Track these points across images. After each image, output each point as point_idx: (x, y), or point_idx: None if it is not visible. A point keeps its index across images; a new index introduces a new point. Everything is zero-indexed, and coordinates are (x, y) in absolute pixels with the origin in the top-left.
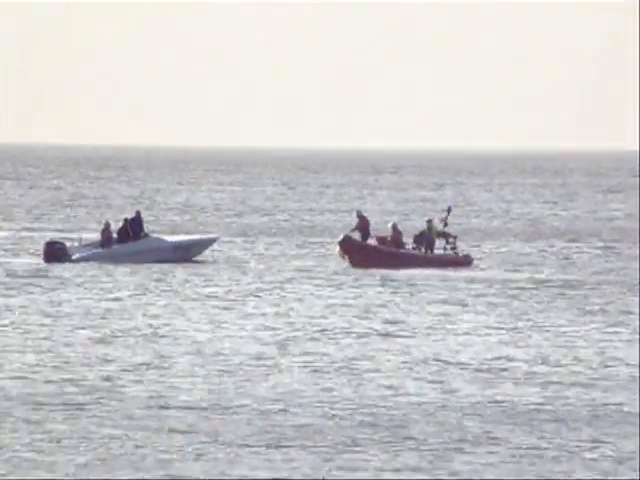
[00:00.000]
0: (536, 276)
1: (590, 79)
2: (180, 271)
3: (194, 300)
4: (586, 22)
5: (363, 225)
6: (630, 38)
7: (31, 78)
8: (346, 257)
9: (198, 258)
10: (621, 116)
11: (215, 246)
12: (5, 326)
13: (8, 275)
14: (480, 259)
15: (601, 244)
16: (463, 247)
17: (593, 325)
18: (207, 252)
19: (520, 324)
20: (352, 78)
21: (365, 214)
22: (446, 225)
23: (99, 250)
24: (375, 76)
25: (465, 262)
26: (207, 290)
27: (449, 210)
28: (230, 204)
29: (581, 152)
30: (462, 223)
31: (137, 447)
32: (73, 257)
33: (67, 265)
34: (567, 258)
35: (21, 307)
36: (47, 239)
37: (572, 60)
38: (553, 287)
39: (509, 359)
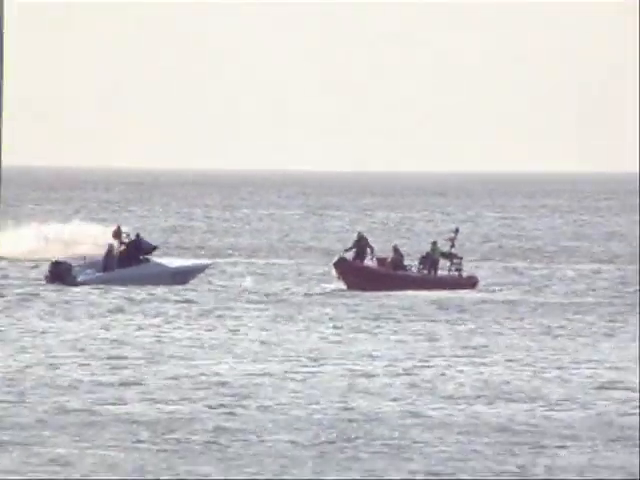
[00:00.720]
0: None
1: (590, 80)
2: (176, 294)
3: (186, 322)
4: (586, 22)
5: (361, 246)
6: (630, 38)
7: (31, 78)
8: (341, 279)
9: (193, 281)
10: (622, 121)
11: (211, 269)
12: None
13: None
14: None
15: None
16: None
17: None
18: (202, 275)
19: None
20: (352, 78)
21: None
22: (453, 246)
23: (101, 274)
24: (375, 76)
25: (469, 283)
26: (198, 312)
27: (456, 231)
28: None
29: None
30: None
31: (134, 466)
32: (78, 279)
33: (70, 288)
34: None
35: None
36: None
37: (572, 60)
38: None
39: (504, 381)
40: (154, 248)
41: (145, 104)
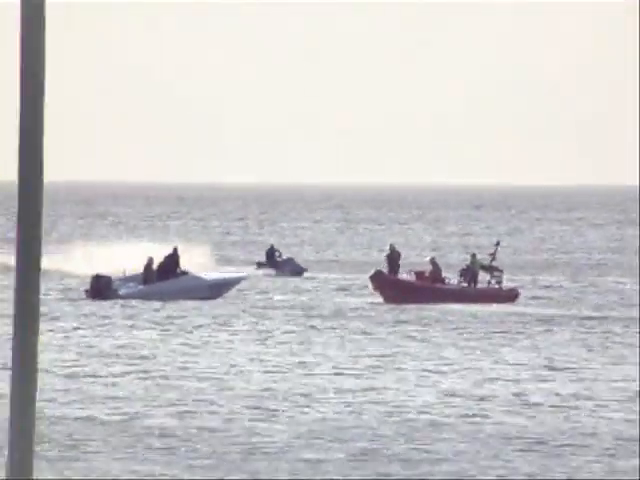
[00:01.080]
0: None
1: (590, 79)
2: (210, 307)
3: (219, 335)
4: (586, 22)
5: (393, 258)
6: (630, 38)
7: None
8: (378, 292)
9: (228, 294)
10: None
11: (246, 282)
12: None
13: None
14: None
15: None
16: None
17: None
18: (235, 289)
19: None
20: (353, 78)
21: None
22: (494, 259)
23: (142, 287)
24: (375, 76)
25: (509, 296)
26: (231, 325)
27: (497, 244)
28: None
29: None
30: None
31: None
32: (119, 292)
33: (111, 302)
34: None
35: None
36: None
37: (572, 60)
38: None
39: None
40: (304, 270)
41: (146, 106)
